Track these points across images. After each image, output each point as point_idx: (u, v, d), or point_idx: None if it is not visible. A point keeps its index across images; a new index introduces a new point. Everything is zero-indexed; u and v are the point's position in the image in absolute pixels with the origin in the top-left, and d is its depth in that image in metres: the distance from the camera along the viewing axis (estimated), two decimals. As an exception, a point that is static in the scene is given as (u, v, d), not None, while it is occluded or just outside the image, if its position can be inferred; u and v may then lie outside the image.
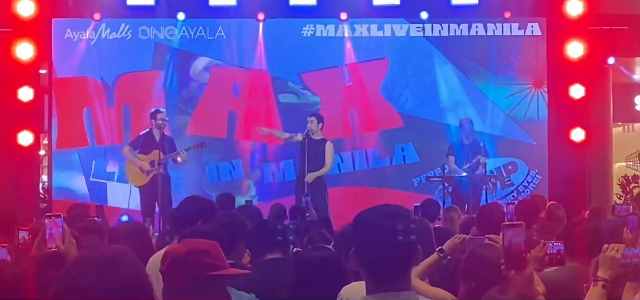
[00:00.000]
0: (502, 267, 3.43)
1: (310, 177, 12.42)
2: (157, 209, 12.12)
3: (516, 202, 9.26)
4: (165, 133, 12.52)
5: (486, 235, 4.81)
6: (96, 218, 7.37)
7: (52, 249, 3.86)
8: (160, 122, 12.43)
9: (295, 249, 5.82)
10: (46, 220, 3.95)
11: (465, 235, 5.60)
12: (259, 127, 13.52)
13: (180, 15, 13.46)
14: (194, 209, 5.47)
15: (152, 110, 12.81)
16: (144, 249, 5.60)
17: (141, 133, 12.81)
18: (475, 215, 7.82)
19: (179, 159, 12.51)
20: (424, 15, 13.55)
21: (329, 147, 12.75)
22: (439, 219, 9.10)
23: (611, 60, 13.65)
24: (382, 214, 2.97)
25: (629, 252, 3.95)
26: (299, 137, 12.74)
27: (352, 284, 4.04)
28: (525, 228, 3.47)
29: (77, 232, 4.88)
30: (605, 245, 3.98)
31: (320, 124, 12.68)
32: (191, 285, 3.45)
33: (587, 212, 8.85)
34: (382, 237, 2.89)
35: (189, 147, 12.57)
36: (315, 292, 4.09)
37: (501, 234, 3.47)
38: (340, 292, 4.01)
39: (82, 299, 1.93)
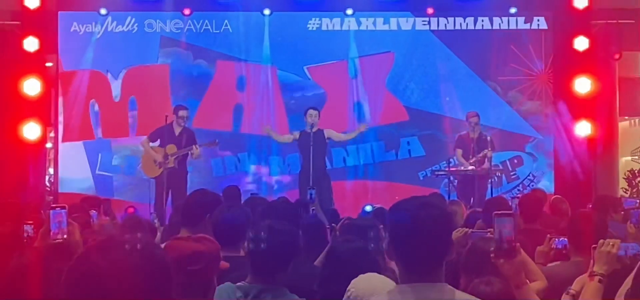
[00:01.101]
0: (491, 255, 3.46)
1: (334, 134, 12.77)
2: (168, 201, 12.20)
3: (520, 196, 9.27)
4: (188, 128, 12.65)
5: (488, 229, 4.82)
6: (91, 212, 7.34)
7: (56, 241, 3.87)
8: (180, 118, 12.55)
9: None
10: (50, 212, 3.96)
11: (467, 229, 5.60)
12: (263, 125, 13.54)
13: (186, 11, 13.49)
14: (201, 203, 5.47)
15: (175, 104, 12.96)
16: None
17: (162, 126, 12.79)
18: (480, 209, 7.82)
19: (193, 154, 12.57)
20: (430, 9, 13.54)
21: (328, 131, 12.78)
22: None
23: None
24: (419, 204, 2.99)
25: (624, 245, 3.96)
26: (297, 134, 12.75)
27: (360, 277, 4.01)
28: (516, 218, 3.49)
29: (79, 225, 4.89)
30: (601, 241, 3.99)
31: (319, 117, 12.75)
32: (215, 282, 3.49)
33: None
34: (418, 227, 2.91)
35: (203, 143, 12.63)
36: (346, 283, 4.07)
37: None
38: (348, 286, 3.98)
39: (102, 282, 1.92)
